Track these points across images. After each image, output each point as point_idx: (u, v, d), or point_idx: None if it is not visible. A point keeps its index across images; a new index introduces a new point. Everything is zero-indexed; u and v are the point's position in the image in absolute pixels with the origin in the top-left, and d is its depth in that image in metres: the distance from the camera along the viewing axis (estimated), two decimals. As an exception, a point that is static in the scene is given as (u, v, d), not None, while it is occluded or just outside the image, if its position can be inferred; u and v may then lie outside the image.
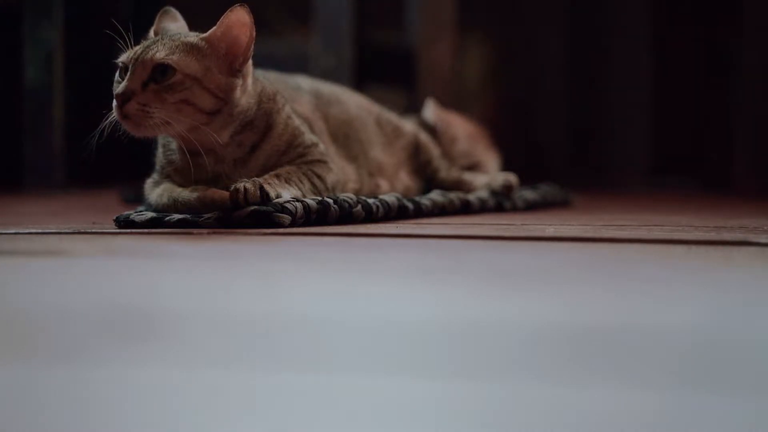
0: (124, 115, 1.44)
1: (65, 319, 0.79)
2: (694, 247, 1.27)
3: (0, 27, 3.05)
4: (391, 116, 1.98)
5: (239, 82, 1.52)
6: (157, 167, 1.61)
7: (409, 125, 2.00)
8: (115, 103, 1.45)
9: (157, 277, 1.03)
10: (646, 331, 0.74)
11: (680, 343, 0.71)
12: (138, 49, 1.49)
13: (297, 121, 1.62)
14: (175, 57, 1.47)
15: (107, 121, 1.47)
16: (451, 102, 2.68)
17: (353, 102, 1.89)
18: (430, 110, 2.15)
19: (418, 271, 1.08)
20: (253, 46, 1.52)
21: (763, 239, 1.30)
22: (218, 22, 1.51)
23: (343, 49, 2.78)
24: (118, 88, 1.46)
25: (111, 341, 0.71)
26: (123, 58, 1.49)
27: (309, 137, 1.62)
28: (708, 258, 1.18)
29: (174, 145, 1.56)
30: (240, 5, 1.49)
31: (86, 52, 3.06)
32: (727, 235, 1.36)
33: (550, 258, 1.20)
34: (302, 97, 1.75)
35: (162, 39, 1.51)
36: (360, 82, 2.77)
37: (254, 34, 1.51)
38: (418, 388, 0.60)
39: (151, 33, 1.55)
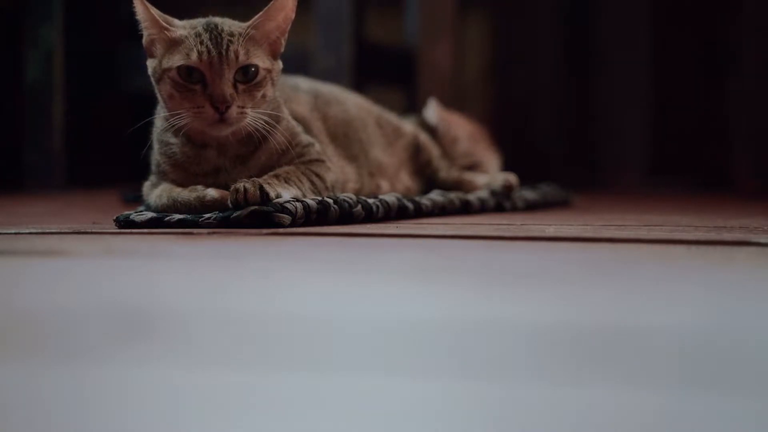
0: (223, 119, 1.46)
1: (65, 319, 0.79)
2: (694, 247, 1.27)
3: (0, 27, 3.05)
4: (391, 117, 1.98)
5: (281, 64, 1.55)
6: (153, 168, 1.59)
7: (408, 126, 2.00)
8: (208, 107, 1.45)
9: (157, 277, 1.03)
10: (646, 331, 0.74)
11: (680, 343, 0.71)
12: (208, 49, 1.47)
13: (293, 121, 1.62)
14: (251, 54, 1.49)
15: (183, 122, 1.47)
16: (450, 102, 2.68)
17: (352, 102, 1.89)
18: (433, 110, 2.15)
19: (418, 271, 1.08)
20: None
21: (763, 239, 1.30)
22: (264, 10, 1.51)
23: (343, 49, 2.77)
24: (216, 93, 1.45)
25: (111, 341, 0.71)
26: (191, 60, 1.46)
27: (305, 137, 1.62)
28: (708, 258, 1.18)
29: (174, 139, 1.55)
30: None
31: (86, 52, 3.06)
32: (727, 235, 1.36)
33: (550, 258, 1.20)
34: (300, 97, 1.75)
35: (220, 33, 1.48)
36: (360, 82, 2.77)
37: (293, 15, 1.53)
38: (418, 388, 0.60)
39: (155, 15, 1.48)
